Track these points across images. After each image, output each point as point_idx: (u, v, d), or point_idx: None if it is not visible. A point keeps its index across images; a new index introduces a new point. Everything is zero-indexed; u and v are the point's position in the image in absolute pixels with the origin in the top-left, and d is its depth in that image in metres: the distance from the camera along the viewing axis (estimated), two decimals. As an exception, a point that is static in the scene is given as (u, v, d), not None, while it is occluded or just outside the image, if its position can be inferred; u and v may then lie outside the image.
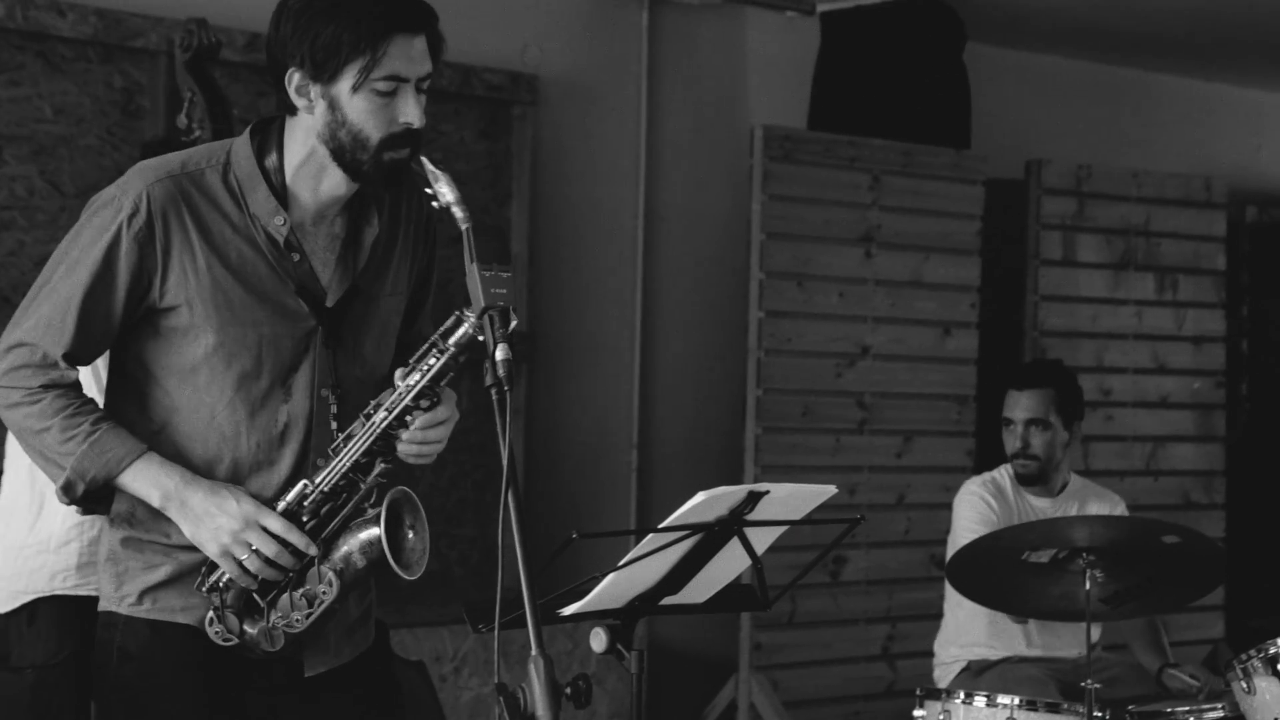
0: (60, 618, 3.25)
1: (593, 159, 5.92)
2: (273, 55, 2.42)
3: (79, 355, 2.44)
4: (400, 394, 2.41)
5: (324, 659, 2.53)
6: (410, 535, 2.44)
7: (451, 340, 2.38)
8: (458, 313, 2.37)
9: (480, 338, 2.30)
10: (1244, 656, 3.65)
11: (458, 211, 2.35)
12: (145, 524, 2.47)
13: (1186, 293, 6.84)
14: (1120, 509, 4.56)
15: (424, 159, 2.40)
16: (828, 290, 5.93)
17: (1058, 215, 6.52)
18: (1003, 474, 4.53)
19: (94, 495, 2.44)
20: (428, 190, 2.39)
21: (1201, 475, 6.88)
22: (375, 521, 2.40)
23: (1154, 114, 7.57)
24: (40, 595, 3.25)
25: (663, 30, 6.07)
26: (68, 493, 2.43)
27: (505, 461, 2.12)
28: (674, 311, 6.11)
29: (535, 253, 5.70)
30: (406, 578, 2.43)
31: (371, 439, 2.41)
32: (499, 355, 2.19)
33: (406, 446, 2.43)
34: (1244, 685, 3.61)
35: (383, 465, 2.43)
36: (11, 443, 3.35)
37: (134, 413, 2.48)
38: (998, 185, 6.38)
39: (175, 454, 2.45)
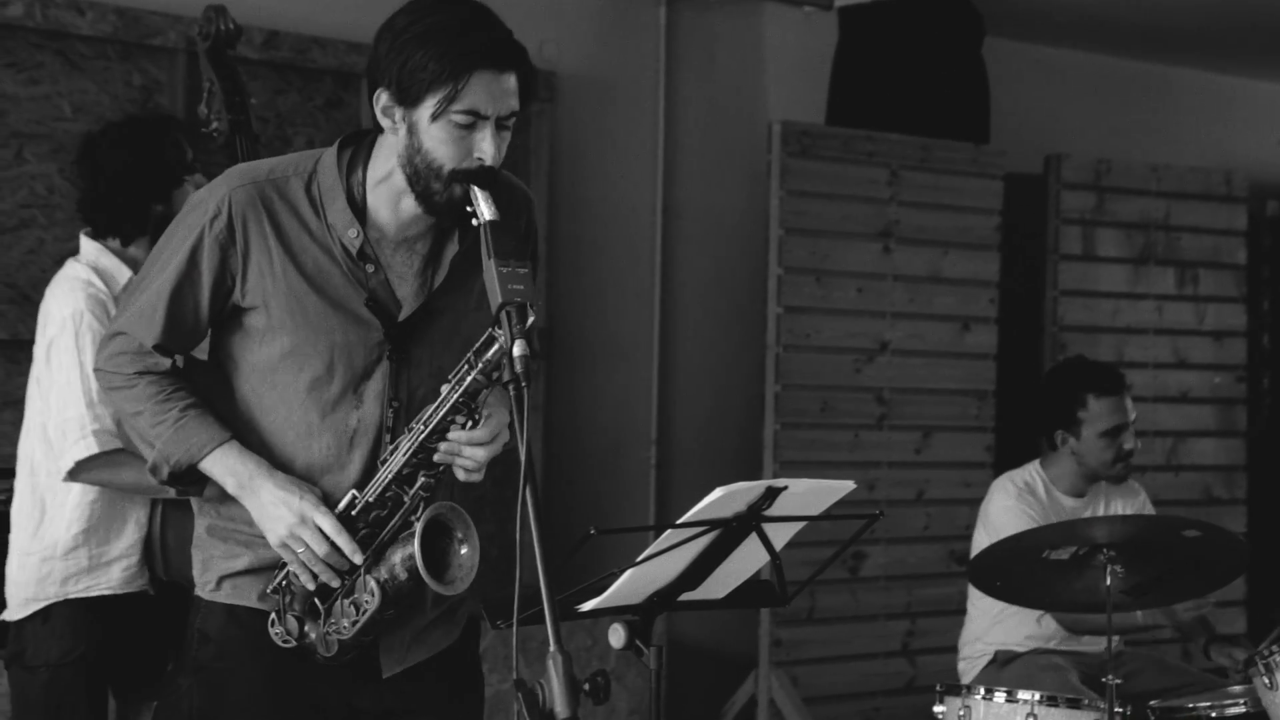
0: (74, 619, 3.26)
1: (610, 155, 5.92)
2: (369, 72, 2.47)
3: (170, 346, 2.53)
4: (435, 407, 2.44)
5: (396, 659, 2.57)
6: (463, 550, 2.46)
7: (483, 359, 2.40)
8: (490, 330, 2.38)
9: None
10: (1266, 652, 3.63)
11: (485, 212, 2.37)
12: (230, 512, 2.53)
13: (1207, 287, 6.81)
14: (1142, 497, 4.58)
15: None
16: (846, 285, 5.92)
17: (1077, 210, 6.50)
18: (1034, 475, 4.51)
19: (181, 478, 2.52)
20: (468, 209, 2.41)
21: (1223, 470, 6.86)
22: (414, 536, 2.42)
23: (1174, 108, 7.54)
24: (52, 601, 3.26)
25: (680, 26, 6.06)
26: (155, 474, 2.53)
27: (523, 458, 2.14)
28: (692, 307, 6.10)
29: (553, 249, 5.70)
30: (445, 593, 2.45)
31: (411, 451, 2.45)
32: (516, 351, 2.22)
33: (443, 457, 2.46)
34: (1266, 680, 3.60)
35: (425, 479, 2.46)
36: (20, 447, 3.36)
37: (226, 404, 2.55)
38: (1017, 180, 6.36)
39: (260, 446, 2.52)
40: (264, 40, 4.99)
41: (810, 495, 2.60)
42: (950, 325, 6.15)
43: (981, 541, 4.35)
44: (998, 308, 6.24)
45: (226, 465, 2.48)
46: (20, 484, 3.33)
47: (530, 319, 2.26)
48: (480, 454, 2.46)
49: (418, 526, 2.41)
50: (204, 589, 2.57)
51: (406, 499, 2.46)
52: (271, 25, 5.00)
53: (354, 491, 2.47)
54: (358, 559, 2.45)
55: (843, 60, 6.24)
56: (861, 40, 6.21)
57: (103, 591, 3.26)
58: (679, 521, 2.50)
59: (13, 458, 3.49)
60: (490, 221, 2.31)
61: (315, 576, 2.47)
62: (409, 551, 2.42)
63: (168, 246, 2.52)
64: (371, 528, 2.47)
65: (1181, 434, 6.74)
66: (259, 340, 2.50)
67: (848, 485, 2.63)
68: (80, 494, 3.26)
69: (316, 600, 2.49)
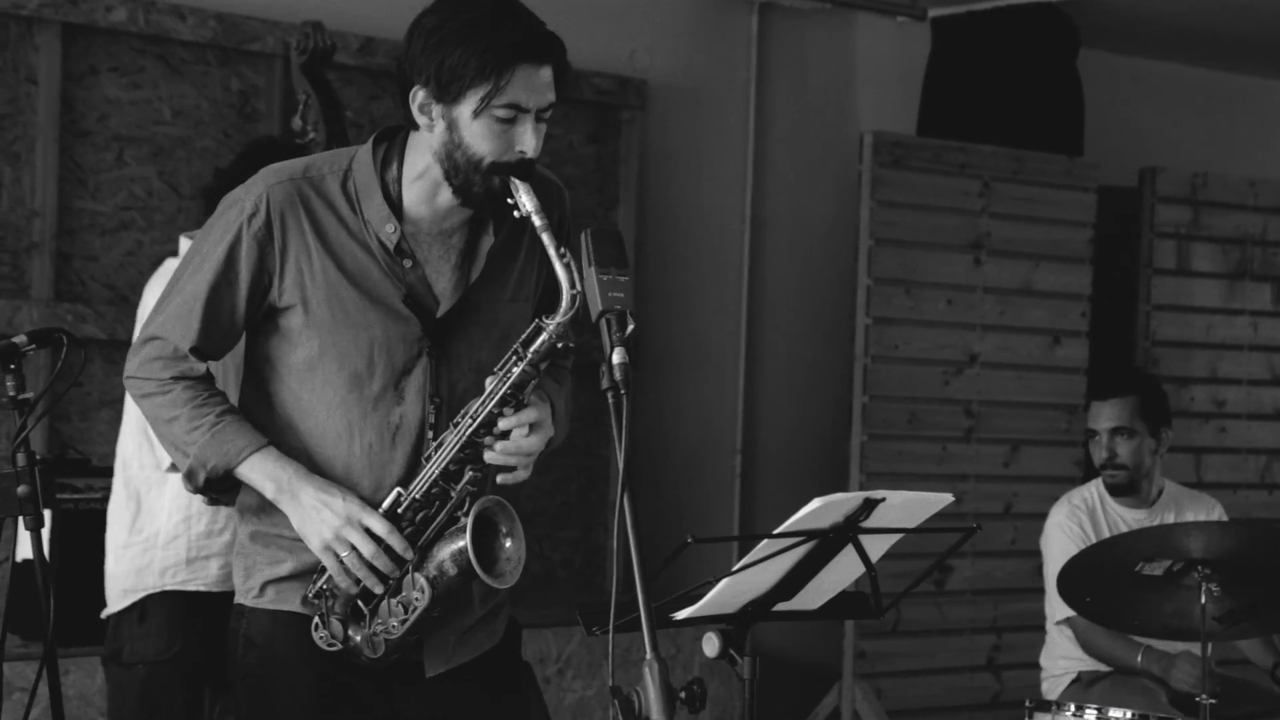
0: (171, 614, 3.29)
1: (700, 163, 5.92)
2: (401, 70, 2.47)
3: (206, 349, 2.51)
4: (482, 400, 2.43)
5: (441, 659, 2.56)
6: (508, 543, 2.46)
7: (531, 349, 2.40)
8: (537, 320, 2.40)
9: (560, 345, 2.38)
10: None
11: (536, 220, 2.39)
12: (272, 518, 2.51)
13: (1304, 303, 6.72)
14: (1217, 512, 4.48)
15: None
16: (936, 297, 5.89)
17: (1172, 223, 6.43)
18: (1093, 490, 4.46)
19: (216, 485, 2.50)
20: (509, 200, 2.42)
21: (1317, 489, 6.76)
22: (464, 531, 2.41)
23: (1271, 121, 7.43)
24: (150, 592, 3.29)
25: (772, 35, 6.05)
26: (190, 480, 2.50)
27: (622, 464, 2.12)
28: (779, 317, 6.09)
29: (641, 257, 5.70)
30: (497, 586, 2.45)
31: (458, 446, 2.44)
32: (616, 359, 2.18)
33: (492, 454, 2.45)
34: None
35: (471, 473, 2.44)
36: (119, 445, 3.41)
37: (264, 409, 2.54)
38: (1111, 193, 6.30)
39: (300, 451, 2.50)
40: (359, 47, 5.04)
41: (908, 507, 2.59)
42: (1041, 338, 6.10)
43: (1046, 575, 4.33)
44: (1089, 321, 6.18)
45: (265, 470, 2.45)
46: (115, 481, 3.37)
47: (630, 327, 2.25)
48: (525, 443, 2.44)
49: (468, 520, 2.40)
50: (247, 595, 2.55)
51: (453, 494, 2.44)
52: (367, 32, 5.05)
53: (399, 489, 2.46)
54: (409, 555, 2.43)
55: (935, 70, 6.21)
56: (955, 50, 6.17)
57: (199, 587, 3.29)
58: (776, 531, 2.49)
59: (110, 456, 3.53)
60: (592, 230, 2.30)
61: (357, 581, 2.44)
62: (459, 546, 2.41)
63: (203, 246, 2.49)
64: (416, 525, 2.46)
65: (1275, 452, 6.64)
66: (296, 340, 2.49)
67: (946, 498, 2.61)
68: (179, 482, 3.30)
69: (360, 602, 2.47)
